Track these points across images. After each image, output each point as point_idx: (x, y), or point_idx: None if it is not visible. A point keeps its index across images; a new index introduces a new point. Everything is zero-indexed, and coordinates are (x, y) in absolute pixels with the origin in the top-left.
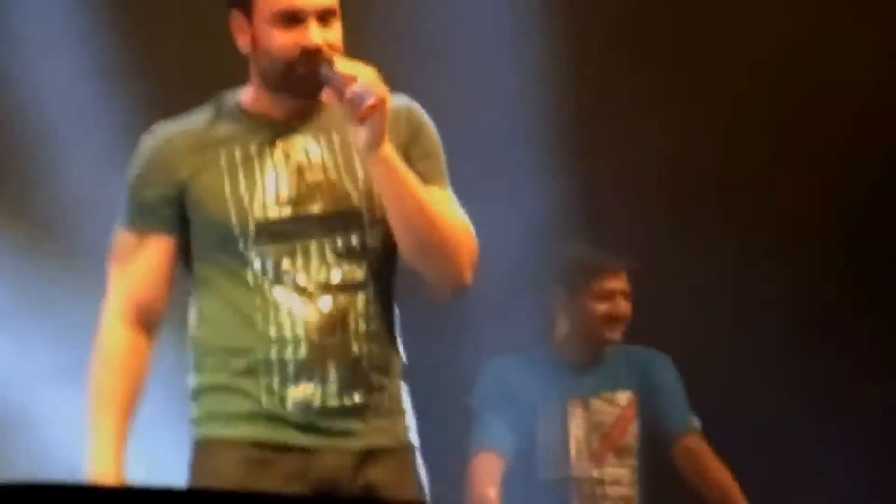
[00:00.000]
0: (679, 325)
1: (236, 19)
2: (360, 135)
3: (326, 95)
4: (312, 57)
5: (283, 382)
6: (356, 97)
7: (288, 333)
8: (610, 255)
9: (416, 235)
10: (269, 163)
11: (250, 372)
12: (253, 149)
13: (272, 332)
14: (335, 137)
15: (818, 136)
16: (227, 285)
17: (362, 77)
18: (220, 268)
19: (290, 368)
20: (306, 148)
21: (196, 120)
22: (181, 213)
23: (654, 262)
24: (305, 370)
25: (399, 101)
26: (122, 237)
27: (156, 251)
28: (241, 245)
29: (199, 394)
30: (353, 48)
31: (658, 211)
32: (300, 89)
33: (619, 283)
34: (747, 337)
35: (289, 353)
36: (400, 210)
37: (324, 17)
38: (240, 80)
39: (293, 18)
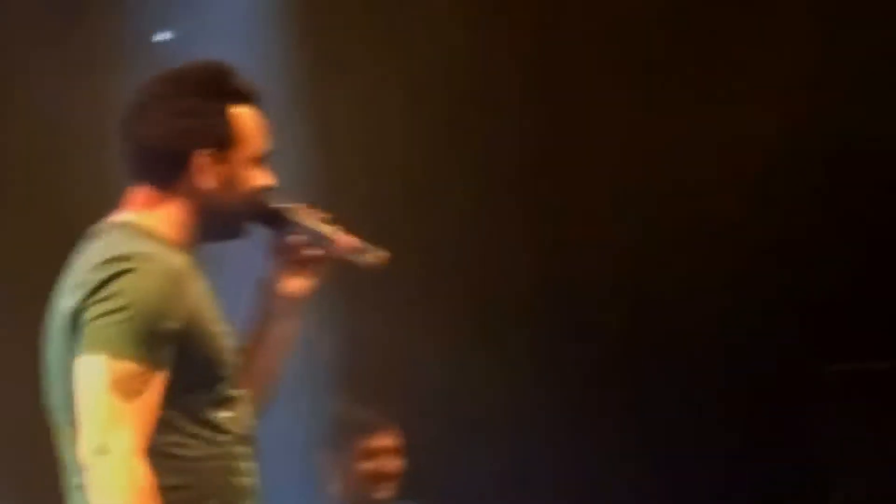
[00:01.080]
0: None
1: (210, 156)
2: (302, 283)
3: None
4: (265, 195)
5: None
6: (351, 248)
7: (253, 485)
8: (375, 412)
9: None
10: (214, 304)
11: None
12: (203, 286)
13: (246, 483)
14: None
15: None
16: (193, 430)
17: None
18: (187, 411)
19: None
20: (208, 287)
21: (158, 249)
22: (177, 350)
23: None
24: None
25: None
26: (130, 370)
27: (160, 388)
28: (217, 387)
29: None
30: None
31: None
32: (241, 229)
33: (385, 441)
34: None
35: None
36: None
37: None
38: None
39: (262, 161)
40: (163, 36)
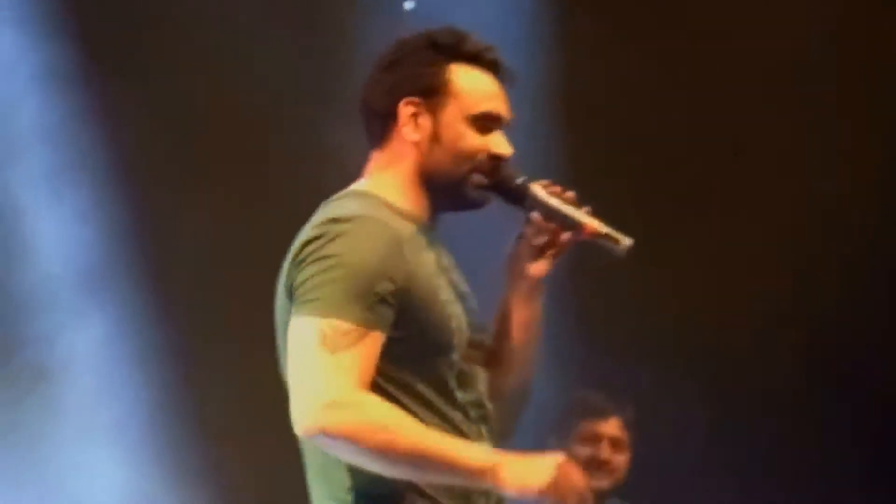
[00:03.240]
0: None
1: (414, 107)
2: (540, 265)
3: (535, 216)
4: (497, 164)
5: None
6: (596, 233)
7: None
8: (602, 398)
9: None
10: (445, 273)
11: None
12: (432, 255)
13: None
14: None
15: None
16: (430, 397)
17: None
18: (424, 378)
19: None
20: (450, 261)
21: (381, 215)
22: (396, 312)
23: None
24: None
25: None
26: (339, 328)
27: (374, 348)
28: (451, 355)
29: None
30: None
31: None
32: (465, 195)
33: (607, 428)
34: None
35: None
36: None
37: (506, 130)
38: None
39: (487, 125)
40: (411, 4)
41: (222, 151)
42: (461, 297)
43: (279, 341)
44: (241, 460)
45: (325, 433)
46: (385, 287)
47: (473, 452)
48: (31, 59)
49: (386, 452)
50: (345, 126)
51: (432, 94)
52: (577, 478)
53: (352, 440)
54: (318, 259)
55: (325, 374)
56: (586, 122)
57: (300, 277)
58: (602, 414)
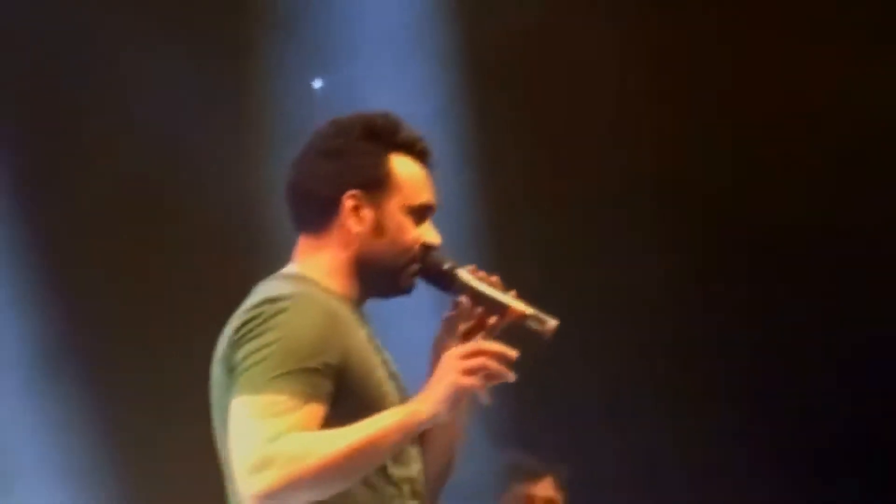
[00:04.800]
0: None
1: (357, 200)
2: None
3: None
4: (428, 252)
5: None
6: (523, 315)
7: None
8: (537, 460)
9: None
10: (378, 352)
11: None
12: (363, 334)
13: None
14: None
15: None
16: (367, 477)
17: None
18: None
19: None
20: (378, 341)
21: (316, 294)
22: (336, 387)
23: None
24: None
25: None
26: (274, 400)
27: (312, 418)
28: None
29: None
30: None
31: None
32: (399, 283)
33: (542, 490)
34: None
35: None
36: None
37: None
38: None
39: (423, 215)
40: (319, 83)
41: (146, 237)
42: (392, 376)
43: (215, 420)
44: None
45: (264, 496)
46: (323, 361)
47: (389, 417)
48: None
49: (325, 475)
50: (267, 209)
51: (375, 186)
52: (482, 347)
53: (290, 488)
54: (256, 337)
55: (252, 439)
56: (507, 200)
57: (239, 355)
58: (535, 476)
